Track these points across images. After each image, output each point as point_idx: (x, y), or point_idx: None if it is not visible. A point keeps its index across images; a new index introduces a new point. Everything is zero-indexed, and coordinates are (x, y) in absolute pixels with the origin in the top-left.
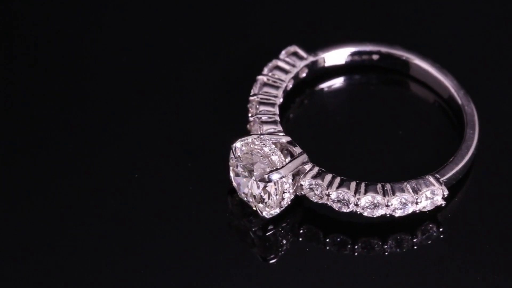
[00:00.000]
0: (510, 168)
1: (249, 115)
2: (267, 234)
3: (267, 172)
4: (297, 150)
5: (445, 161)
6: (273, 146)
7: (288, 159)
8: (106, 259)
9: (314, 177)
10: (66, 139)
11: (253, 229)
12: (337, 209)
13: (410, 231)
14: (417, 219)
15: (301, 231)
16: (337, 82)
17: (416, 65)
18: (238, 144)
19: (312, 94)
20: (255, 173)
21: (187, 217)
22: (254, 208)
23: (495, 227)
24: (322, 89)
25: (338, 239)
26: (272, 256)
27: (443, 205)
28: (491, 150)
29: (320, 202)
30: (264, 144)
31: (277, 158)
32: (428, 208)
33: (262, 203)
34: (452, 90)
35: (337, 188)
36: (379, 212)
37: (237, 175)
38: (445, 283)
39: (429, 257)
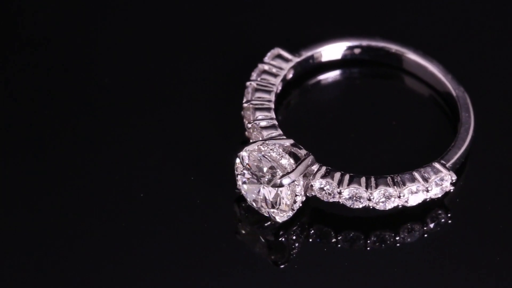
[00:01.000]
0: (507, 149)
1: (246, 122)
2: (279, 239)
3: (279, 177)
4: (302, 152)
5: (440, 151)
6: (281, 150)
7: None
8: (115, 277)
9: (323, 176)
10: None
11: (265, 235)
12: (349, 206)
13: (420, 219)
14: (425, 207)
15: (312, 232)
16: (330, 77)
17: (408, 58)
18: (244, 152)
19: (305, 90)
20: (266, 179)
21: (196, 226)
22: (266, 214)
23: (502, 207)
24: (315, 84)
25: (350, 235)
26: (285, 259)
27: (451, 190)
28: (485, 132)
29: (331, 201)
30: (271, 149)
31: (286, 161)
32: (439, 195)
33: (274, 208)
34: (444, 80)
35: (348, 185)
36: (391, 205)
37: (245, 183)
38: (460, 269)
39: (442, 243)
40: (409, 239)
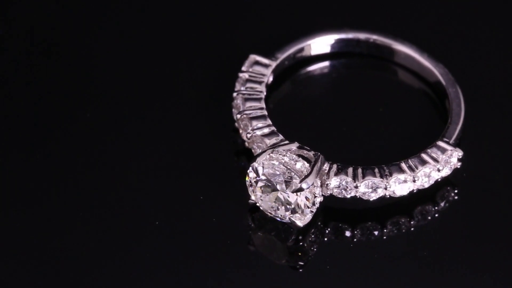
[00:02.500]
0: (500, 120)
1: (245, 133)
2: (300, 243)
3: (298, 181)
4: (311, 153)
5: (430, 140)
6: (294, 155)
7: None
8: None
9: (337, 174)
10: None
11: (283, 241)
12: (366, 198)
13: (431, 200)
14: (432, 187)
15: (327, 231)
16: (320, 69)
17: (398, 50)
18: (257, 163)
19: (294, 83)
20: (283, 186)
21: (210, 236)
22: (286, 220)
23: (507, 178)
24: (305, 77)
25: (366, 226)
26: (306, 261)
27: (458, 167)
28: (475, 107)
29: (348, 196)
30: (283, 155)
31: (300, 165)
32: (448, 173)
33: (295, 213)
34: (431, 67)
35: (363, 178)
36: (406, 191)
37: (261, 193)
38: (477, 244)
39: (455, 222)
40: (424, 222)
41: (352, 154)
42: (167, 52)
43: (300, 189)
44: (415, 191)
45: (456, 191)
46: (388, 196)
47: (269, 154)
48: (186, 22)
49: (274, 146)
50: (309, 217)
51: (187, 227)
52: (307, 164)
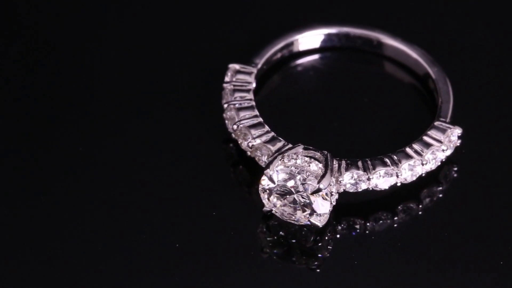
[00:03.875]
0: (488, 95)
1: (243, 142)
2: (318, 244)
3: (315, 182)
4: (317, 153)
5: (419, 131)
6: (306, 158)
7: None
8: None
9: (347, 169)
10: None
11: (308, 244)
12: (379, 189)
13: (435, 181)
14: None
15: (339, 227)
16: (309, 63)
17: (387, 44)
18: (270, 171)
19: (283, 77)
20: (300, 188)
21: (225, 242)
22: (305, 222)
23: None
24: (294, 71)
25: (378, 215)
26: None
27: (458, 144)
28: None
29: (360, 190)
30: (293, 158)
31: (314, 165)
32: (452, 152)
33: (314, 215)
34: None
35: (374, 169)
36: (416, 176)
37: (277, 199)
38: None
39: (461, 200)
40: (431, 205)
41: (345, 147)
42: (150, 57)
43: (319, 190)
44: (423, 175)
45: (456, 168)
46: (399, 184)
47: (280, 160)
48: (166, 23)
49: (281, 152)
50: (327, 216)
51: (195, 232)
52: (320, 164)
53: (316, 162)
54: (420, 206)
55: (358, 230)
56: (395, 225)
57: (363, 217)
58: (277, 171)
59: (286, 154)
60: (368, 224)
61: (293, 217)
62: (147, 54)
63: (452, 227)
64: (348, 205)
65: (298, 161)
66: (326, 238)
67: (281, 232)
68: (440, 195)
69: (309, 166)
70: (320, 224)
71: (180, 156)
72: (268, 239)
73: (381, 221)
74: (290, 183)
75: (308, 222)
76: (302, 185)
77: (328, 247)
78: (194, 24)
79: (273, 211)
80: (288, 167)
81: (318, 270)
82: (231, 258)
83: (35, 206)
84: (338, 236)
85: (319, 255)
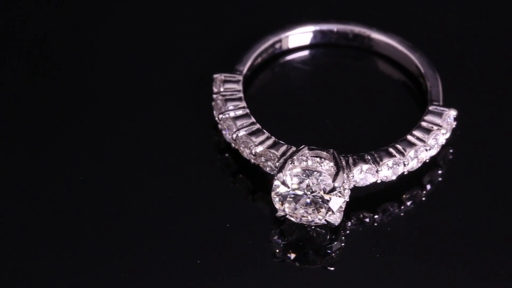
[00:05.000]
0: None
1: (245, 149)
2: (334, 241)
3: (330, 181)
4: (324, 152)
5: (408, 126)
6: (315, 158)
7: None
8: None
9: (355, 164)
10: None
11: (324, 244)
12: (387, 180)
13: (435, 166)
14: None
15: (350, 222)
16: (299, 60)
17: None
18: (283, 176)
19: (273, 75)
20: (314, 189)
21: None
22: (321, 222)
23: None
24: (284, 68)
25: (385, 206)
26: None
27: (454, 126)
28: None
29: (368, 183)
30: (304, 160)
31: (325, 165)
32: (450, 133)
33: (331, 213)
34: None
35: (382, 161)
36: (421, 162)
37: (291, 202)
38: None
39: (462, 182)
40: (436, 190)
41: (339, 143)
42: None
43: (334, 188)
44: (427, 160)
45: (451, 150)
46: (406, 172)
47: (291, 164)
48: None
49: (289, 155)
50: (342, 213)
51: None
52: (331, 163)
53: (327, 161)
54: (424, 192)
55: (370, 223)
56: (402, 214)
57: (371, 210)
58: (289, 175)
59: (295, 157)
60: (376, 216)
61: (309, 219)
62: (126, 63)
63: (460, 207)
64: (352, 199)
65: (309, 163)
66: (340, 235)
67: (295, 235)
68: (440, 179)
69: (321, 166)
70: (336, 222)
71: (178, 168)
72: (282, 243)
73: (389, 212)
74: (304, 185)
75: (325, 222)
76: (317, 185)
77: (342, 244)
78: (167, 35)
79: (287, 215)
80: (299, 170)
81: (332, 269)
82: (248, 265)
83: (30, 207)
84: (348, 232)
85: (336, 253)
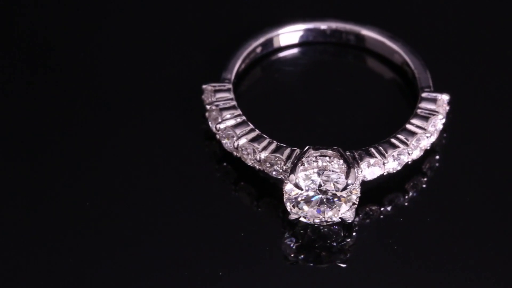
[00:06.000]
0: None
1: (248, 156)
2: (347, 238)
3: (343, 179)
4: (329, 150)
5: (398, 123)
6: (326, 158)
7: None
8: None
9: (362, 159)
10: None
11: (339, 243)
12: (392, 172)
13: (433, 151)
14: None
15: (358, 217)
16: (289, 58)
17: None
18: (295, 178)
19: (263, 73)
20: (331, 187)
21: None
22: (337, 219)
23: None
24: (275, 66)
25: (391, 197)
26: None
27: (447, 110)
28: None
29: (376, 177)
30: (314, 161)
31: (335, 163)
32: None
33: (348, 209)
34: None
35: (387, 153)
36: (423, 150)
37: (306, 204)
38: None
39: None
40: (438, 176)
41: (335, 141)
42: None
43: (348, 185)
44: (429, 148)
45: (445, 135)
46: (410, 162)
47: (300, 166)
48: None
49: (297, 158)
50: (355, 209)
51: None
52: (340, 161)
53: (336, 160)
54: (425, 179)
55: (378, 216)
56: (406, 204)
57: (378, 203)
58: (301, 176)
59: (303, 159)
60: (382, 209)
61: (323, 218)
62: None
63: (460, 189)
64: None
65: (319, 163)
66: (353, 230)
67: (309, 236)
68: (437, 164)
69: (332, 164)
70: (351, 219)
71: (176, 180)
72: (296, 245)
73: (394, 202)
74: (317, 185)
75: (339, 219)
76: (330, 184)
77: (356, 239)
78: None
79: (300, 218)
80: (310, 171)
81: (344, 265)
82: (264, 269)
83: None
84: (357, 227)
85: (350, 249)
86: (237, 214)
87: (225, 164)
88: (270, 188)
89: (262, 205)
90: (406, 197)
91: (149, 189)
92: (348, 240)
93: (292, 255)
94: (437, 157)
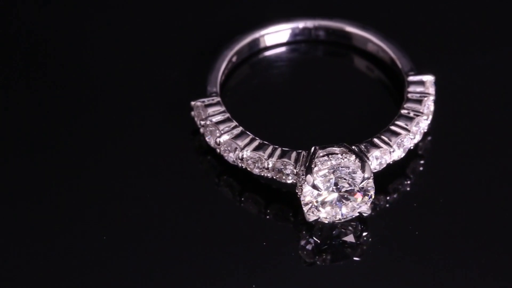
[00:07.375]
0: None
1: (255, 164)
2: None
3: (360, 174)
4: (334, 147)
5: (386, 120)
6: (338, 156)
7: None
8: None
9: (369, 151)
10: None
11: (359, 239)
12: (398, 158)
13: (425, 135)
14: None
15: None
16: (277, 57)
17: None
18: (313, 180)
19: (251, 73)
20: (349, 183)
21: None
22: (355, 214)
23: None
24: (262, 66)
25: (395, 186)
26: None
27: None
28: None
29: (384, 167)
30: (327, 160)
31: (347, 159)
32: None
33: (365, 203)
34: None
35: (392, 142)
36: (422, 132)
37: (323, 204)
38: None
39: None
40: (439, 165)
41: (333, 138)
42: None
43: (365, 179)
44: (426, 130)
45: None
46: (412, 147)
47: (317, 167)
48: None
49: (308, 162)
50: (370, 202)
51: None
52: (352, 156)
53: (347, 156)
54: (425, 164)
55: (385, 204)
56: (410, 188)
57: (383, 192)
58: (318, 178)
59: (315, 160)
60: (388, 198)
61: (339, 216)
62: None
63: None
64: None
65: (333, 161)
66: (368, 224)
67: (327, 236)
68: (431, 145)
69: (347, 161)
70: (368, 212)
71: (178, 192)
72: (315, 248)
73: (400, 191)
74: (335, 184)
75: (357, 214)
76: (348, 181)
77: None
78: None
79: (319, 219)
80: (326, 171)
81: (358, 259)
82: (283, 272)
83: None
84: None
85: (368, 242)
86: (245, 222)
87: (225, 177)
88: (278, 195)
89: (271, 212)
90: (409, 181)
91: (148, 190)
92: (366, 233)
93: (310, 255)
94: (429, 138)
